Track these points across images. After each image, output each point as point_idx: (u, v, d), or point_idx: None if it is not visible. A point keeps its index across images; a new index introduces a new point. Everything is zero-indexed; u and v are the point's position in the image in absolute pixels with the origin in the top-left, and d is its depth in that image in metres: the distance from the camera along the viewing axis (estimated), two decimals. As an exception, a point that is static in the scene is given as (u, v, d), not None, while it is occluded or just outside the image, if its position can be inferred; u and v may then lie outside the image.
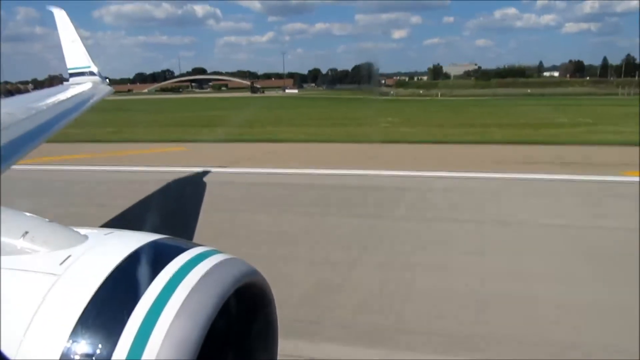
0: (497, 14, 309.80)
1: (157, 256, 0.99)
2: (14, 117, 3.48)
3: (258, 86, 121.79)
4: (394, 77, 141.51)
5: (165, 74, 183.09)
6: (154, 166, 11.23)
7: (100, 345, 0.81)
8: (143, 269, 0.95)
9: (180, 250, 1.01)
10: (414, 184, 8.99)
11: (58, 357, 0.80)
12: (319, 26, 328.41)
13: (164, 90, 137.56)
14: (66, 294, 0.88)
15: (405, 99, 64.34)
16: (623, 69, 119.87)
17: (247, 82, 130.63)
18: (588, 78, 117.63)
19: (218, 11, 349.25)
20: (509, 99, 56.54)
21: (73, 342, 0.81)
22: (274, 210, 7.46)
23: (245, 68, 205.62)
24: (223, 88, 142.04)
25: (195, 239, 1.22)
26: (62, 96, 5.48)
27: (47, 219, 1.11)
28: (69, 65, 7.65)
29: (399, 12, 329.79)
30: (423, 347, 3.52)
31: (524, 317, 3.92)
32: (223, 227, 6.53)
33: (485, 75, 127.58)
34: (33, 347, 0.82)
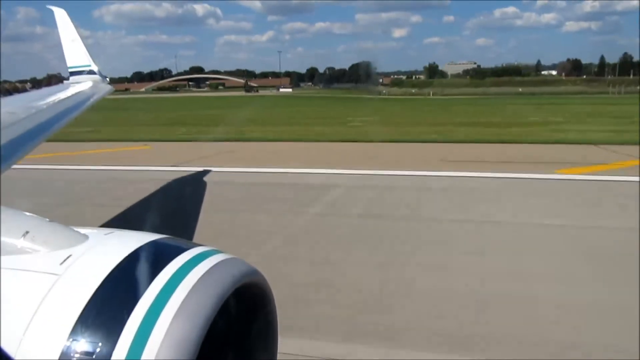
0: (497, 13, 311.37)
1: (157, 256, 0.99)
2: (15, 116, 3.49)
3: (254, 85, 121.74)
4: (391, 76, 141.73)
5: (163, 73, 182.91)
6: (116, 165, 11.45)
7: (99, 345, 0.81)
8: (143, 269, 0.95)
9: (180, 250, 1.01)
10: (336, 182, 9.07)
11: (58, 357, 0.80)
12: (319, 25, 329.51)
13: (161, 89, 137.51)
14: (66, 293, 0.88)
15: (396, 98, 64.58)
16: (617, 67, 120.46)
17: (242, 81, 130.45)
18: (585, 77, 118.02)
19: (218, 10, 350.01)
20: (500, 97, 56.99)
21: (73, 341, 0.81)
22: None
23: (245, 67, 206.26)
24: (220, 87, 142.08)
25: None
26: (63, 95, 5.47)
27: (47, 219, 1.11)
28: (69, 64, 7.64)
29: (399, 12, 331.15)
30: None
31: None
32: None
33: (480, 74, 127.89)
34: (33, 347, 0.82)
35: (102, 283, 0.88)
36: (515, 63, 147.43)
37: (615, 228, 6.13)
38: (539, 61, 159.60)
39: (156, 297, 0.87)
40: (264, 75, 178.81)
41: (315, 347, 3.46)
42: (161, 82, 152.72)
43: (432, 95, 67.91)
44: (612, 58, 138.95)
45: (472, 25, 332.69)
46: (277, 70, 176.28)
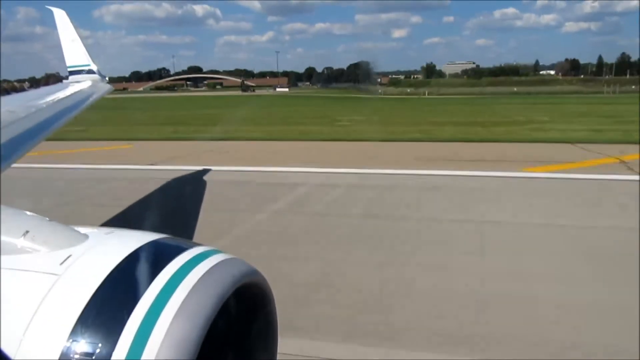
0: (497, 13, 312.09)
1: (157, 256, 0.99)
2: (15, 115, 3.49)
3: (252, 85, 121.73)
4: (389, 76, 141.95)
5: (161, 73, 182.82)
6: (99, 164, 11.55)
7: (99, 345, 0.81)
8: (143, 269, 0.95)
9: (180, 250, 1.01)
10: (302, 180, 9.13)
11: (58, 357, 0.80)
12: (319, 26, 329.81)
13: (159, 88, 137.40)
14: (66, 293, 0.88)
15: (391, 97, 64.82)
16: (614, 67, 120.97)
17: (240, 81, 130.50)
18: (582, 76, 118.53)
19: (218, 11, 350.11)
20: (494, 97, 57.28)
21: (73, 341, 0.81)
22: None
23: (245, 67, 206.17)
24: (218, 86, 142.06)
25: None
26: (62, 94, 5.49)
27: (47, 218, 1.11)
28: (68, 64, 7.65)
29: (398, 12, 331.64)
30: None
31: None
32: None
33: (476, 74, 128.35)
34: (33, 347, 0.82)
35: (102, 283, 0.88)
36: (514, 63, 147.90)
37: (569, 225, 6.24)
38: (537, 61, 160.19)
39: (156, 297, 0.87)
40: (262, 75, 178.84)
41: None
42: (159, 81, 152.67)
43: (428, 95, 68.10)
44: (612, 58, 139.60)
45: (472, 25, 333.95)
46: (275, 70, 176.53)
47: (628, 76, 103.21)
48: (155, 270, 0.93)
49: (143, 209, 7.29)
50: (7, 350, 0.80)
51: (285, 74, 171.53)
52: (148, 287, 0.89)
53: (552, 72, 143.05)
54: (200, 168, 10.16)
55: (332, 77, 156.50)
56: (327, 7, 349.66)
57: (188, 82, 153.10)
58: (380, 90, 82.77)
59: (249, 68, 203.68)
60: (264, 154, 13.13)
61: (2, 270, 0.93)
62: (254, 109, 38.23)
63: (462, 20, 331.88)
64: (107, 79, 7.81)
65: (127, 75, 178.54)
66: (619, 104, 35.00)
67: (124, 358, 0.80)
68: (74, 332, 0.81)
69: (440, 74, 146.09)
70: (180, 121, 24.99)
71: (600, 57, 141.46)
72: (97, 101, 6.09)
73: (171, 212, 7.15)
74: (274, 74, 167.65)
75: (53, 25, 7.81)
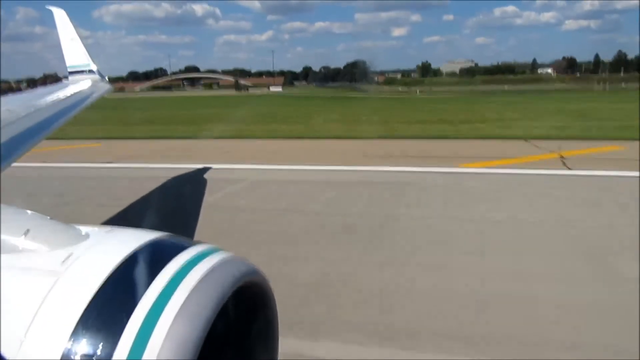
0: (497, 11, 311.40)
1: (158, 255, 0.99)
2: (15, 115, 3.48)
3: (248, 84, 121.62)
4: (384, 75, 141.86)
5: (158, 72, 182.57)
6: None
7: (101, 346, 0.81)
8: (144, 268, 0.95)
9: (181, 249, 1.01)
10: (239, 176, 9.54)
11: (59, 358, 0.80)
12: (319, 25, 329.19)
13: (155, 88, 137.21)
14: (67, 293, 0.88)
15: (382, 96, 64.73)
16: (608, 65, 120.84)
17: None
18: (578, 74, 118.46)
19: (217, 10, 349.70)
20: (484, 95, 57.45)
21: (74, 342, 0.81)
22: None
23: (245, 66, 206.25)
24: (214, 86, 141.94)
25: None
26: (62, 94, 5.49)
27: (48, 217, 1.11)
28: (68, 64, 7.68)
29: (398, 11, 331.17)
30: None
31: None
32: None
33: (471, 73, 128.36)
34: (34, 347, 0.81)
35: (104, 282, 0.88)
36: (512, 61, 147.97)
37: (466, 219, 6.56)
38: (534, 59, 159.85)
39: (157, 297, 0.87)
40: (260, 74, 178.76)
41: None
42: (156, 81, 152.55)
43: (419, 93, 68.09)
44: (611, 56, 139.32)
45: (471, 24, 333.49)
46: (278, 68, 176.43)
47: (622, 74, 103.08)
48: (156, 269, 0.93)
49: (143, 207, 7.42)
50: (8, 351, 0.80)
51: (282, 73, 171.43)
52: (149, 286, 0.89)
53: (550, 70, 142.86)
54: (200, 166, 10.34)
55: (328, 77, 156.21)
56: (326, 6, 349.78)
57: (185, 82, 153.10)
58: (371, 89, 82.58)
59: (248, 67, 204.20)
60: (217, 151, 13.43)
61: (2, 269, 0.92)
62: (239, 108, 38.37)
63: (462, 18, 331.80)
64: (107, 78, 7.86)
65: (124, 75, 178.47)
66: (600, 102, 35.25)
67: (125, 358, 0.79)
68: (76, 332, 0.81)
69: (436, 73, 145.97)
70: (159, 121, 25.31)
71: (597, 55, 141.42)
72: (95, 101, 6.15)
73: (170, 210, 7.32)
74: (270, 74, 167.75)
75: (53, 25, 7.88)
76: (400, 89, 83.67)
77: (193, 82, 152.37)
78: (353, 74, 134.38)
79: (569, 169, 9.48)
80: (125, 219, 6.55)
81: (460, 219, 6.46)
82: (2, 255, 0.95)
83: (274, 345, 1.20)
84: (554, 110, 26.94)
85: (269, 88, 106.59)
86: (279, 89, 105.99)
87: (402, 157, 11.44)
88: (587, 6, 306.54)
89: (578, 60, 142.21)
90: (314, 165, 10.50)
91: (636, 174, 8.46)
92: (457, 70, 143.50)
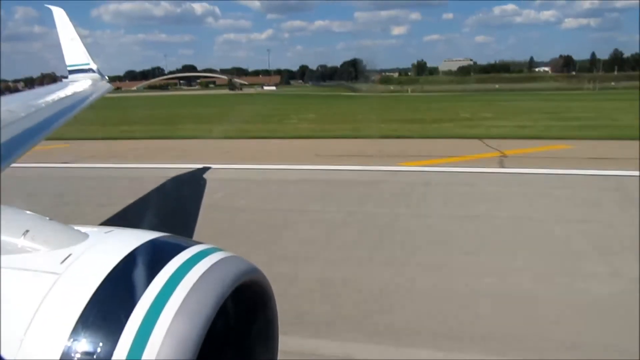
0: (497, 10, 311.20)
1: (157, 254, 1.00)
2: (15, 115, 3.50)
3: (245, 83, 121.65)
4: (381, 74, 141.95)
5: (155, 72, 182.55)
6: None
7: (100, 345, 0.81)
8: (143, 268, 0.95)
9: (180, 249, 1.02)
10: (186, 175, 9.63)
11: (59, 357, 0.80)
12: (318, 23, 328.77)
13: (152, 87, 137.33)
14: (67, 293, 0.88)
15: (373, 95, 64.64)
16: (602, 64, 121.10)
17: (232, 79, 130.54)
18: (574, 73, 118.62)
19: (217, 9, 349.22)
20: (474, 94, 57.46)
21: (74, 341, 0.81)
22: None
23: (244, 65, 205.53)
24: (211, 85, 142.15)
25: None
26: (62, 93, 5.52)
27: (47, 218, 1.12)
28: (68, 63, 7.66)
29: (398, 9, 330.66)
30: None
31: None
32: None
33: (465, 71, 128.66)
34: (34, 347, 0.82)
35: (103, 282, 0.88)
36: (510, 60, 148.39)
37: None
38: (531, 58, 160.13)
39: (157, 296, 0.88)
40: (256, 73, 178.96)
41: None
42: (152, 80, 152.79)
43: (411, 92, 68.18)
44: (609, 55, 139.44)
45: (471, 22, 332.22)
46: (279, 67, 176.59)
47: (616, 73, 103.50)
48: (155, 268, 0.94)
49: (142, 207, 7.42)
50: (8, 350, 0.81)
51: (279, 72, 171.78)
52: (148, 285, 0.90)
53: (547, 69, 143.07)
54: (200, 166, 10.31)
55: (325, 75, 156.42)
56: (326, 5, 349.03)
57: (181, 81, 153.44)
58: (365, 88, 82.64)
59: (248, 66, 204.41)
60: (174, 151, 13.49)
61: (2, 269, 0.93)
62: (225, 108, 38.30)
63: (462, 17, 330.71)
64: (107, 78, 7.84)
65: (121, 74, 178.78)
66: (582, 101, 35.35)
67: (125, 358, 0.80)
68: (75, 332, 0.82)
69: (432, 72, 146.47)
70: (137, 121, 25.19)
71: (593, 54, 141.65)
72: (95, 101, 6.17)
73: (170, 210, 7.32)
74: (267, 72, 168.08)
75: (52, 25, 7.83)
76: (392, 87, 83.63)
77: (189, 81, 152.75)
78: (350, 72, 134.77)
79: (502, 167, 9.80)
80: (124, 219, 6.62)
81: (355, 213, 6.75)
82: (2, 255, 0.96)
83: (274, 345, 1.21)
84: (528, 110, 27.22)
85: (262, 87, 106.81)
86: (272, 88, 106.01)
87: (351, 156, 11.59)
88: (586, 4, 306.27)
89: (576, 58, 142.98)
90: (247, 164, 10.67)
91: (569, 171, 8.80)
92: (455, 69, 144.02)
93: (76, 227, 1.09)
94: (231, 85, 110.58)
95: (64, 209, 7.27)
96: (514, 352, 3.36)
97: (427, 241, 5.63)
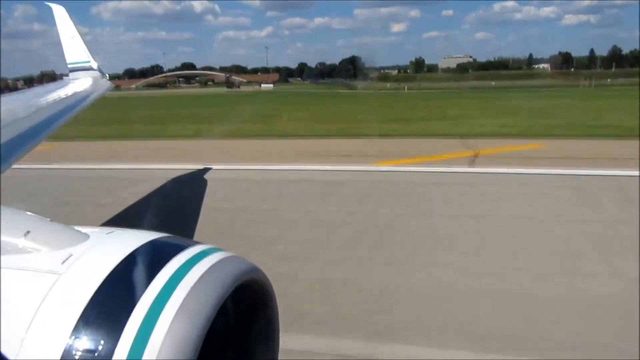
0: (497, 6, 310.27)
1: (158, 255, 1.00)
2: (15, 115, 3.51)
3: (244, 81, 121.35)
4: (380, 71, 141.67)
5: (155, 70, 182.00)
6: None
7: (101, 344, 0.81)
8: (143, 268, 0.95)
9: (180, 249, 1.02)
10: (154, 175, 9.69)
11: (59, 356, 0.80)
12: (318, 20, 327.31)
13: (150, 85, 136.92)
14: (67, 293, 0.89)
15: (370, 93, 64.23)
16: (599, 60, 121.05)
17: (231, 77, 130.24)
18: (572, 70, 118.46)
19: (216, 7, 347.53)
20: (470, 91, 57.27)
21: (75, 340, 0.81)
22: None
23: (244, 63, 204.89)
24: (209, 83, 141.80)
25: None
26: (62, 92, 5.52)
27: (48, 218, 1.12)
28: (68, 61, 7.63)
29: (398, 6, 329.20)
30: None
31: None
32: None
33: (463, 68, 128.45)
34: (35, 346, 0.82)
35: (103, 282, 0.89)
36: (509, 57, 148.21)
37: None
38: (530, 55, 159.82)
39: (157, 296, 0.88)
40: (255, 71, 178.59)
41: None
42: (151, 78, 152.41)
43: (407, 90, 67.88)
44: (607, 51, 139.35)
45: (471, 19, 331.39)
46: (278, 64, 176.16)
47: (614, 69, 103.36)
48: (155, 269, 0.94)
49: (143, 208, 7.44)
50: (9, 350, 0.81)
51: (277, 69, 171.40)
52: (148, 285, 0.90)
53: (546, 66, 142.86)
54: (200, 167, 10.33)
55: (324, 73, 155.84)
56: (326, 2, 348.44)
57: (180, 79, 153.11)
58: (362, 86, 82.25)
59: (248, 64, 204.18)
60: (146, 151, 13.48)
61: (3, 269, 0.93)
62: (217, 107, 37.84)
63: (462, 13, 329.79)
64: (107, 76, 7.84)
65: (120, 72, 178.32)
66: (572, 99, 35.06)
67: (125, 357, 0.80)
68: (76, 331, 0.82)
69: (430, 69, 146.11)
70: (123, 121, 24.94)
71: (592, 51, 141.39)
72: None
73: (170, 210, 7.34)
74: (266, 70, 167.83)
75: (52, 22, 7.81)
76: (389, 85, 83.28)
77: (188, 79, 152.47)
78: (348, 70, 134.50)
79: (471, 166, 9.79)
80: (124, 219, 6.63)
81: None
82: (3, 255, 0.96)
83: (275, 345, 1.21)
84: (517, 108, 26.42)
85: (259, 85, 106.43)
86: (270, 86, 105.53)
87: (330, 155, 11.61)
88: (586, 1, 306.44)
89: (576, 55, 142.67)
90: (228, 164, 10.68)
91: (532, 170, 8.94)
92: (454, 66, 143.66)
93: (77, 228, 1.09)
94: (229, 84, 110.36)
95: (64, 210, 7.30)
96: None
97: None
